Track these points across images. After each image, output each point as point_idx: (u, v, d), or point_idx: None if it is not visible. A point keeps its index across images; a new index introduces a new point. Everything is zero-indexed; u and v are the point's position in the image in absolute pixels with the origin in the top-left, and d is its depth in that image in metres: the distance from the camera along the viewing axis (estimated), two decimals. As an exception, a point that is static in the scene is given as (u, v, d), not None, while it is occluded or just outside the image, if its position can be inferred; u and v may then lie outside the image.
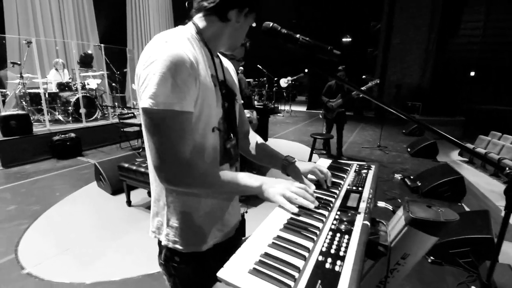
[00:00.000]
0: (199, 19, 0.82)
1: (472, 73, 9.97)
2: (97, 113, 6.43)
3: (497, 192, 3.91)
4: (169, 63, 0.67)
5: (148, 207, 3.10)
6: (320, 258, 0.58)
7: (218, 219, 0.91)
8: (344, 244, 0.62)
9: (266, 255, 0.59)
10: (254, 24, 0.89)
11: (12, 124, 4.53)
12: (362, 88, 4.83)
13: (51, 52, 7.97)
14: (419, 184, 3.72)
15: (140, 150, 5.26)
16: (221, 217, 0.92)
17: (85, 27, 9.08)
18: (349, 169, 1.15)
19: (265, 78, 10.99)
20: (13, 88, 6.07)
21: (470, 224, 2.32)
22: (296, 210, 0.77)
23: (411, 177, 4.01)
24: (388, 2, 11.63)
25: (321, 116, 5.22)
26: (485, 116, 9.73)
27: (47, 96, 5.75)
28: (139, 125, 5.21)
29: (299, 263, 0.57)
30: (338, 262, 0.56)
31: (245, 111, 1.47)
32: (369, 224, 0.71)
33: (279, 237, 0.66)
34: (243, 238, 1.15)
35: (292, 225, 0.71)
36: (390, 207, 0.90)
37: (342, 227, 0.70)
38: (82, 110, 5.92)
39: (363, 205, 0.81)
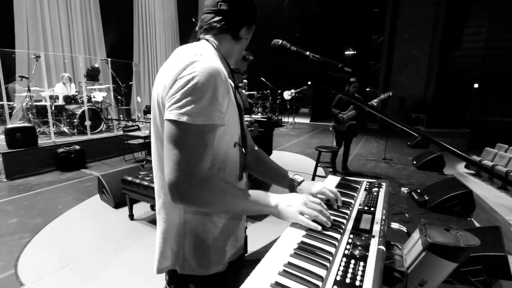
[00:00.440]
0: (212, 38, 0.82)
1: (476, 85, 9.95)
2: (102, 126, 6.48)
3: (506, 206, 3.82)
4: (208, 76, 0.66)
5: (150, 220, 3.06)
6: (335, 288, 0.55)
7: (231, 233, 0.88)
8: (360, 273, 0.59)
9: (277, 285, 0.56)
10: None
11: (17, 136, 4.56)
12: (375, 101, 4.81)
13: (59, 66, 8.13)
14: (427, 198, 3.64)
15: (144, 162, 5.25)
16: (234, 231, 0.89)
17: (93, 42, 9.29)
18: (359, 187, 1.11)
19: (268, 91, 11.06)
20: (20, 101, 6.16)
21: (481, 240, 2.24)
22: (320, 228, 0.74)
23: (418, 191, 3.93)
24: (390, 15, 11.78)
25: (330, 129, 5.16)
26: (491, 128, 9.66)
27: (53, 108, 5.81)
28: (143, 137, 5.22)
29: (312, 294, 0.53)
30: (355, 294, 0.53)
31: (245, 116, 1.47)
32: (384, 249, 0.67)
33: (290, 264, 0.62)
34: (246, 255, 1.11)
35: (304, 250, 0.67)
36: (405, 229, 0.86)
37: (356, 252, 0.66)
38: (88, 123, 5.96)
39: (376, 228, 0.78)
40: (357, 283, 0.56)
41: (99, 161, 5.64)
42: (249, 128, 1.90)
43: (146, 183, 2.84)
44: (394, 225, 0.87)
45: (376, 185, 1.11)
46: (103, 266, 2.36)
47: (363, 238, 0.72)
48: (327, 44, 14.04)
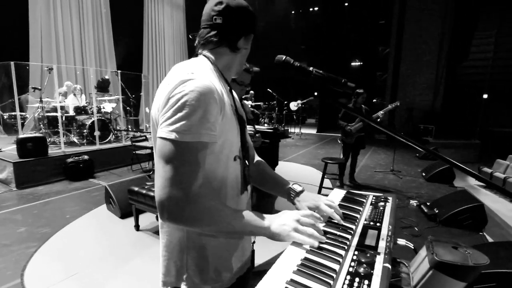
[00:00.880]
0: (209, 52, 0.83)
1: (485, 96, 9.83)
2: (111, 136, 6.58)
3: (521, 221, 3.70)
4: (198, 95, 0.66)
5: (156, 231, 3.05)
6: (339, 308, 0.54)
7: (236, 248, 0.87)
8: (364, 291, 0.57)
9: (279, 303, 0.55)
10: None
11: (28, 146, 4.66)
12: (381, 112, 4.77)
13: (71, 78, 8.35)
14: (437, 211, 3.56)
15: (151, 172, 5.29)
16: (240, 245, 0.88)
17: (104, 55, 9.56)
18: (364, 201, 1.10)
19: (275, 102, 11.12)
20: (33, 111, 6.32)
21: (494, 257, 2.17)
22: (316, 244, 0.72)
23: (428, 204, 3.85)
24: (397, 26, 11.84)
25: (339, 141, 5.12)
26: (501, 139, 9.46)
27: (64, 119, 5.94)
28: (151, 147, 5.28)
29: (315, 314, 0.52)
30: (359, 314, 0.51)
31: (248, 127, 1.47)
32: (390, 267, 0.66)
33: (292, 281, 0.61)
34: (252, 271, 1.09)
35: (307, 267, 0.66)
36: (412, 246, 0.84)
37: (361, 270, 0.65)
38: (97, 133, 6.06)
39: (382, 244, 0.76)
40: (361, 302, 0.54)
41: (107, 171, 5.71)
42: (252, 139, 1.91)
43: (152, 193, 2.85)
44: (401, 242, 0.85)
45: (382, 199, 1.09)
46: (109, 277, 2.35)
47: (368, 255, 0.71)
48: (333, 55, 14.14)
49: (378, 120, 4.73)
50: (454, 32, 10.84)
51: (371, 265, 0.66)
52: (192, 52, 0.88)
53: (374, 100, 6.32)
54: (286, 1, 15.71)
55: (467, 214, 3.30)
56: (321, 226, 0.78)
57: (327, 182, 4.66)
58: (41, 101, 5.72)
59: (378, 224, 0.89)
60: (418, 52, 11.50)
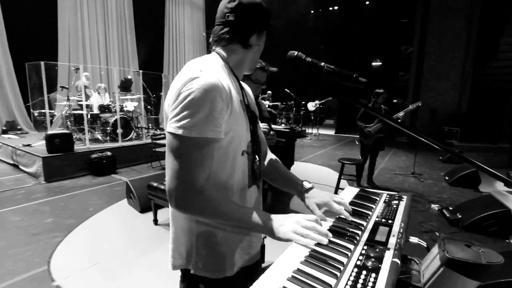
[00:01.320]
0: (222, 49, 0.85)
1: (516, 97, 9.32)
2: (132, 134, 6.80)
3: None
4: (204, 92, 0.69)
5: (173, 227, 3.13)
6: (343, 297, 0.54)
7: (243, 239, 0.90)
8: (370, 284, 0.58)
9: (285, 290, 0.57)
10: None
11: (56, 142, 4.91)
12: (401, 113, 4.63)
13: (96, 77, 8.72)
14: (460, 216, 3.42)
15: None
16: (246, 237, 0.90)
17: (127, 55, 9.91)
18: (378, 199, 1.09)
19: (292, 102, 11.07)
20: (60, 109, 6.65)
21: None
22: (313, 244, 0.72)
23: (450, 208, 3.70)
24: (420, 24, 11.45)
25: (357, 142, 5.02)
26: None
27: (89, 117, 6.21)
28: (170, 145, 5.40)
29: (320, 301, 0.53)
30: (363, 304, 0.52)
31: (261, 125, 1.49)
32: (399, 262, 0.66)
33: (299, 271, 0.63)
34: (262, 265, 1.11)
35: (314, 258, 0.67)
36: (424, 244, 0.83)
37: (369, 264, 0.65)
38: (119, 131, 6.29)
39: (392, 240, 0.76)
40: (367, 294, 0.55)
41: (128, 167, 5.90)
42: (266, 137, 1.92)
43: (170, 189, 2.93)
44: (413, 239, 0.85)
45: (396, 198, 1.08)
46: (128, 267, 2.46)
47: (377, 250, 0.71)
48: (354, 55, 13.87)
49: (399, 121, 4.60)
50: (481, 30, 10.33)
51: (379, 259, 0.67)
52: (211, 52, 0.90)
53: (395, 101, 6.14)
54: (305, 0, 15.57)
55: (493, 220, 3.15)
56: (324, 229, 0.77)
57: (344, 183, 4.59)
58: (68, 100, 6.01)
59: (390, 222, 0.88)
60: (443, 51, 11.06)
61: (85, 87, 6.63)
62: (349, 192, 1.16)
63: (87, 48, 8.60)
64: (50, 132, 5.06)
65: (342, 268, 0.64)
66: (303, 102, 11.22)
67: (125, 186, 3.84)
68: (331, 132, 13.20)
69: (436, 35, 11.14)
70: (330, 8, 15.65)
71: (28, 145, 5.47)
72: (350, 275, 0.61)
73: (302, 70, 0.82)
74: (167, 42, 11.31)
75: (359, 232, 0.81)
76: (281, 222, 0.75)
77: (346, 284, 0.58)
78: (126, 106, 7.08)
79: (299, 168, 5.98)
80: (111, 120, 6.34)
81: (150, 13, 10.62)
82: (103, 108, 6.54)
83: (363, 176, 5.01)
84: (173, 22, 11.36)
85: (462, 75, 10.84)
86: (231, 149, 0.80)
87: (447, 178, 5.40)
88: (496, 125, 9.99)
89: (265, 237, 1.39)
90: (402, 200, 1.06)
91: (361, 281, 0.59)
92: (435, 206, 3.96)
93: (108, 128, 6.33)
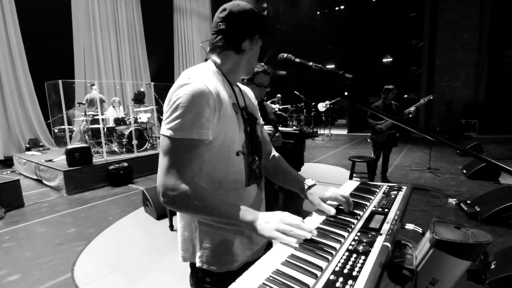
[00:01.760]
0: (216, 56, 0.92)
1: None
2: (147, 144, 7.01)
3: None
4: (191, 97, 0.77)
5: (189, 231, 3.22)
6: (332, 277, 0.58)
7: (246, 237, 0.94)
8: (359, 265, 0.61)
9: (278, 272, 0.61)
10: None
11: (76, 156, 5.14)
12: (412, 108, 4.54)
13: (111, 92, 9.07)
14: (478, 209, 3.33)
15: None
16: (249, 235, 0.95)
17: (139, 68, 10.25)
18: (378, 190, 1.11)
19: (302, 104, 11.06)
20: (79, 124, 6.95)
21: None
22: (294, 242, 0.72)
23: (468, 202, 3.61)
24: (429, 17, 11.23)
25: (369, 140, 4.97)
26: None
27: (105, 130, 6.46)
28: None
29: (309, 281, 0.58)
30: (350, 282, 0.56)
31: (266, 127, 1.53)
32: (389, 245, 0.69)
33: (293, 256, 0.67)
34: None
35: (308, 245, 0.71)
36: (420, 230, 0.85)
37: (360, 248, 0.69)
38: (134, 142, 6.50)
39: (386, 227, 0.79)
40: (354, 273, 0.59)
41: (144, 177, 6.08)
42: (272, 139, 1.97)
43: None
44: (409, 226, 0.87)
45: (395, 189, 1.10)
46: (147, 271, 2.56)
47: (369, 235, 0.74)
48: (363, 53, 13.74)
49: (410, 115, 4.52)
50: (495, 16, 10.01)
51: (370, 244, 0.70)
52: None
53: (406, 96, 6.05)
54: (310, 2, 15.61)
55: (513, 211, 3.06)
56: (309, 226, 0.77)
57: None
58: (85, 115, 6.28)
59: (386, 210, 0.91)
60: (455, 42, 10.79)
61: (102, 100, 6.91)
62: (349, 186, 1.18)
63: (101, 64, 8.97)
64: (69, 146, 5.30)
65: (334, 252, 0.68)
66: (313, 103, 11.20)
67: (142, 195, 3.97)
68: (344, 131, 13.07)
69: (447, 27, 10.89)
70: (337, 8, 15.62)
71: (50, 160, 5.74)
72: (341, 258, 0.65)
73: (292, 70, 0.87)
74: (177, 53, 11.63)
75: (355, 221, 0.85)
76: (265, 219, 0.77)
77: (336, 265, 0.62)
78: (140, 118, 7.31)
79: (310, 169, 5.98)
80: (126, 132, 6.56)
81: (159, 26, 10.98)
82: (118, 121, 6.79)
83: (376, 174, 4.95)
84: (181, 33, 11.68)
85: (477, 66, 10.52)
86: (224, 150, 0.86)
87: (465, 171, 5.25)
88: (516, 114, 9.62)
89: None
90: (401, 191, 1.08)
91: (350, 262, 0.62)
92: (452, 200, 3.87)
93: (124, 140, 6.55)
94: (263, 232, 0.75)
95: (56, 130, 7.39)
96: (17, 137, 7.39)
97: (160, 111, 8.68)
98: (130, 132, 6.54)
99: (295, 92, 10.60)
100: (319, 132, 11.95)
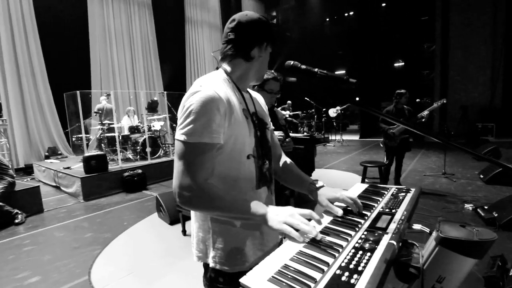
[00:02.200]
0: (226, 65, 0.98)
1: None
2: (160, 151, 7.16)
3: None
4: (202, 104, 0.82)
5: (201, 237, 3.26)
6: (338, 272, 0.61)
7: (257, 238, 0.97)
8: (364, 261, 0.64)
9: (286, 266, 0.64)
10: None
11: (92, 164, 5.31)
12: (426, 112, 4.46)
13: (125, 101, 9.34)
14: (496, 214, 3.24)
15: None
16: (260, 237, 0.98)
17: (152, 78, 10.53)
18: (386, 192, 1.13)
19: (313, 110, 11.06)
20: (95, 133, 7.18)
21: None
22: (302, 240, 0.74)
23: (485, 207, 3.52)
24: (441, 19, 11.08)
25: (381, 145, 4.89)
26: None
27: (120, 138, 6.65)
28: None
29: (316, 275, 0.61)
30: (355, 276, 0.59)
31: (276, 133, 1.57)
32: (395, 243, 0.71)
33: (301, 252, 0.70)
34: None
35: (316, 242, 0.74)
36: (427, 230, 0.86)
37: (366, 245, 0.71)
38: (148, 149, 6.65)
39: (392, 226, 0.81)
40: (360, 268, 0.61)
41: (158, 183, 6.20)
42: (283, 144, 2.01)
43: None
44: (416, 226, 0.88)
45: (404, 191, 1.12)
46: (161, 274, 2.61)
47: (376, 234, 0.76)
48: (374, 58, 13.66)
49: (423, 120, 4.45)
50: (510, 17, 9.80)
51: (376, 242, 0.72)
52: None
53: (418, 100, 5.97)
54: (319, 9, 15.71)
55: (533, 217, 2.96)
56: (318, 224, 0.84)
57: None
58: (101, 124, 6.49)
59: (393, 211, 0.93)
60: (469, 44, 10.59)
61: (109, 110, 7.13)
62: (357, 188, 1.20)
63: (116, 75, 9.29)
64: (86, 154, 5.48)
65: (340, 250, 0.70)
66: (324, 109, 11.17)
67: (155, 201, 4.06)
68: (356, 137, 12.93)
69: (460, 29, 10.73)
70: (346, 14, 15.66)
71: (68, 167, 5.94)
72: (348, 254, 0.68)
73: (300, 77, 0.91)
74: (189, 63, 11.90)
75: (362, 221, 0.87)
76: (276, 212, 0.81)
77: (343, 261, 0.65)
78: (153, 126, 7.49)
79: (321, 175, 5.94)
80: (140, 140, 6.73)
81: (172, 37, 11.30)
82: (133, 129, 6.97)
83: (390, 180, 4.88)
84: (193, 43, 11.97)
85: (493, 68, 10.28)
86: (235, 153, 0.90)
87: (481, 176, 5.11)
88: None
89: (283, 236, 1.46)
90: (410, 192, 1.09)
91: (356, 259, 0.65)
92: (469, 206, 3.77)
93: (138, 147, 6.71)
94: (272, 224, 0.79)
95: (73, 139, 7.65)
96: (37, 145, 7.70)
97: (173, 119, 8.87)
98: (144, 140, 6.70)
99: (306, 98, 10.62)
100: (330, 138, 11.88)
